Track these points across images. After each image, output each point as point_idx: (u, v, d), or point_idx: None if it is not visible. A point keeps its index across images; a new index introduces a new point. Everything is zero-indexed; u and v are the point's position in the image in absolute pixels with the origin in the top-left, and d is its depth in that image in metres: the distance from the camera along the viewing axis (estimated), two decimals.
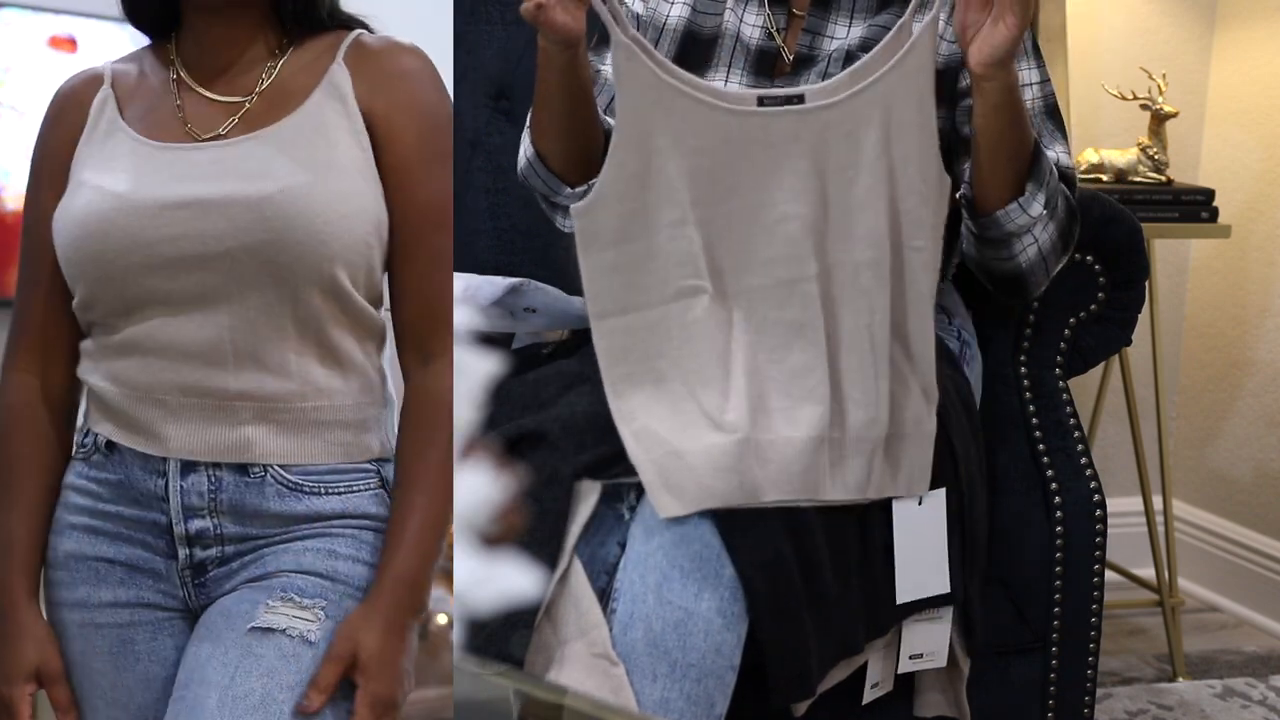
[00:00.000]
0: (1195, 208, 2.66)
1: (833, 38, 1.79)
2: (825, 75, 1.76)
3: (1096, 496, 1.86)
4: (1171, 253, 3.13)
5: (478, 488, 0.68)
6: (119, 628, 1.35)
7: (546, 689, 1.25)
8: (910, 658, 1.67)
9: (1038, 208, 1.66)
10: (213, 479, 1.32)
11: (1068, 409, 1.89)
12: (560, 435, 1.55)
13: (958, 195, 1.68)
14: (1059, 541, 1.84)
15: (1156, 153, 2.68)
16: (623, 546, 1.54)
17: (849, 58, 1.76)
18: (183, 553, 1.34)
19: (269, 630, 1.29)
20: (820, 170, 1.56)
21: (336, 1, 1.42)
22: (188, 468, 1.32)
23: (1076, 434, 1.88)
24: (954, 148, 1.71)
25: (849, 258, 1.56)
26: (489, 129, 2.22)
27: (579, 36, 1.58)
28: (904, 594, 1.61)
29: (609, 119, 1.72)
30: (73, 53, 2.62)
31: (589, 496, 1.53)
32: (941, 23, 1.66)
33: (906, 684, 1.72)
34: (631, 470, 1.52)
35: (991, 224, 1.68)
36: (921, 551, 1.62)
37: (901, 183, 1.56)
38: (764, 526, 1.49)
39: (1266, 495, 3.01)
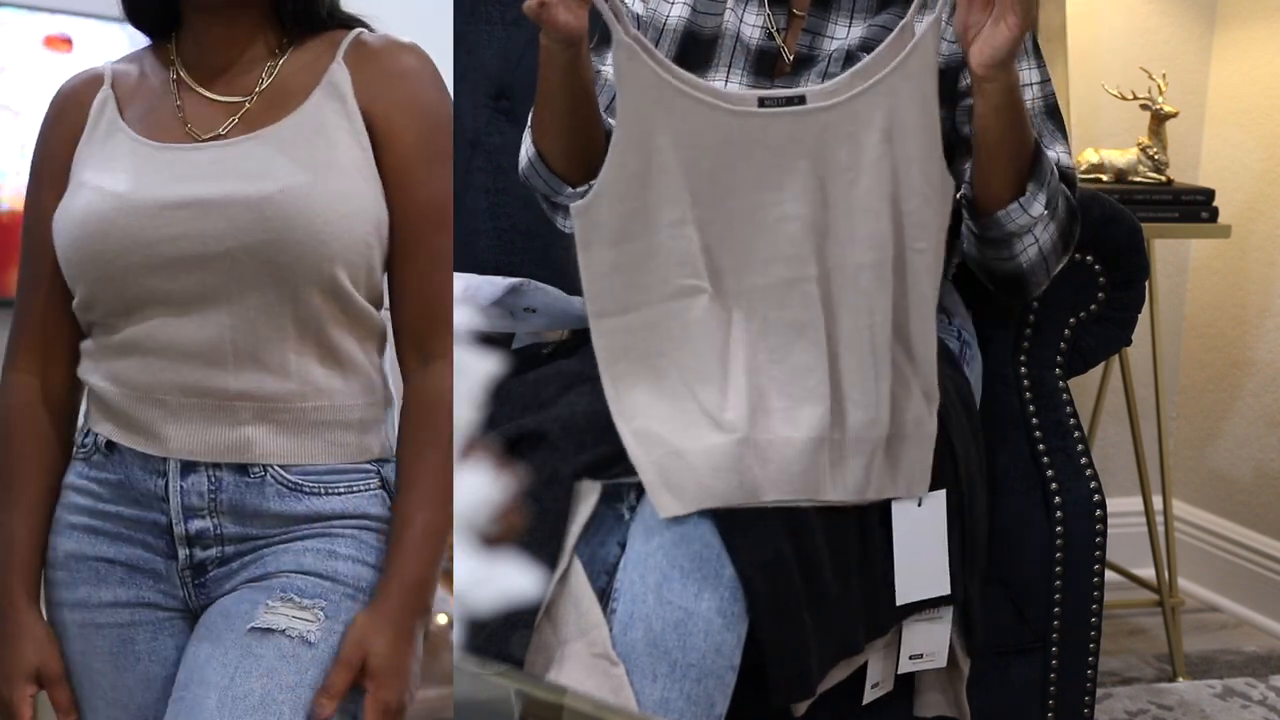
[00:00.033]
0: (1195, 208, 2.66)
1: (833, 38, 1.79)
2: (825, 75, 1.76)
3: (1096, 496, 1.86)
4: (1171, 253, 3.13)
5: (478, 488, 0.68)
6: (119, 628, 1.35)
7: (547, 689, 1.25)
8: (910, 658, 1.67)
9: (1039, 208, 1.66)
10: (213, 479, 1.32)
11: (1068, 409, 1.89)
12: (560, 435, 1.55)
13: (958, 195, 1.68)
14: (1059, 541, 1.84)
15: (1156, 153, 2.68)
16: (623, 546, 1.54)
17: (849, 58, 1.76)
18: (183, 553, 1.34)
19: (269, 631, 1.29)
20: (821, 171, 1.56)
21: (336, 1, 1.42)
22: (188, 468, 1.32)
23: (1076, 434, 1.88)
24: (954, 148, 1.71)
25: (850, 259, 1.56)
26: (489, 129, 2.22)
27: (581, 35, 1.58)
28: (903, 595, 1.61)
29: (610, 120, 1.72)
30: (68, 52, 2.62)
31: (589, 496, 1.53)
32: (941, 22, 1.66)
33: (906, 684, 1.72)
34: (631, 470, 1.52)
35: (992, 224, 1.68)
36: (921, 553, 1.62)
37: (904, 184, 1.56)
38: (764, 526, 1.49)
39: (1266, 495, 3.01)
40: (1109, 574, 1.98)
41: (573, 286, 1.72)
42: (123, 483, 1.34)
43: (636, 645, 1.47)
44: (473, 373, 0.71)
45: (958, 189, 1.67)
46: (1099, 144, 2.80)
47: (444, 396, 1.34)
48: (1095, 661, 1.89)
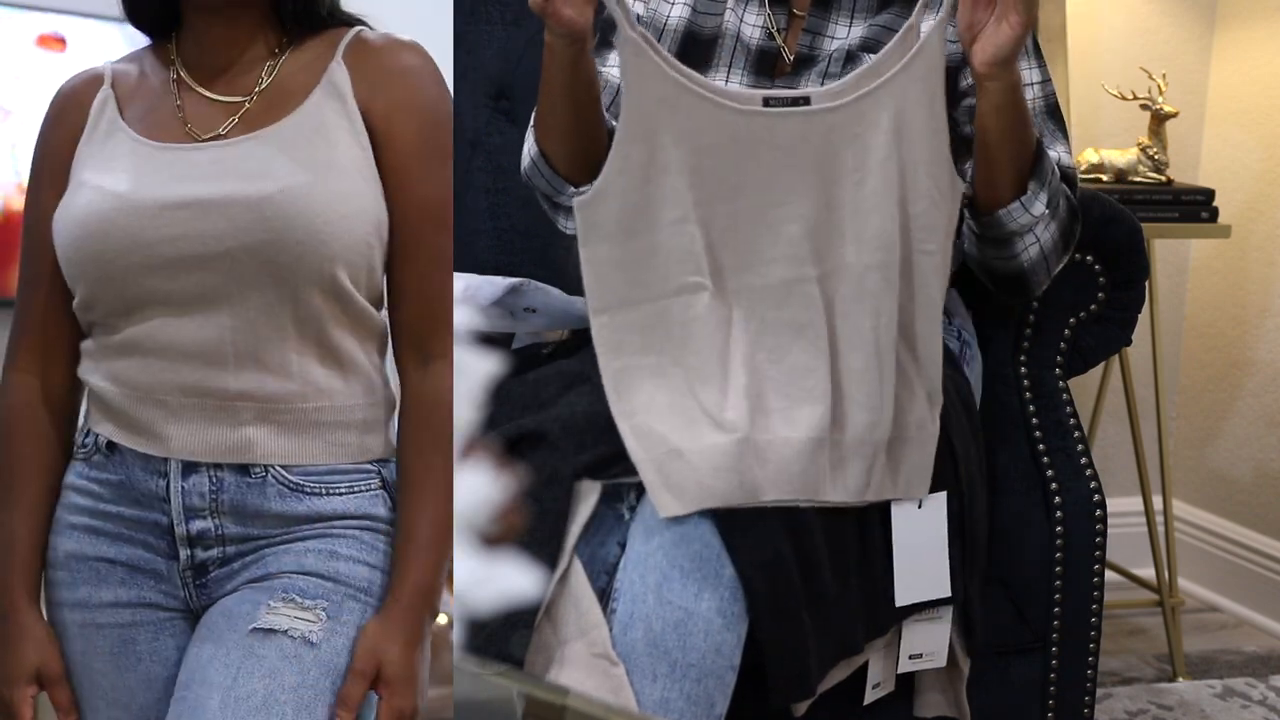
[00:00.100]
0: (1195, 208, 2.67)
1: (833, 38, 1.79)
2: (826, 75, 1.76)
3: (1096, 496, 1.86)
4: (1171, 253, 3.13)
5: (478, 488, 0.68)
6: (120, 628, 1.35)
7: (548, 690, 1.25)
8: (910, 658, 1.67)
9: (1040, 207, 1.66)
10: (214, 480, 1.32)
11: (1068, 409, 1.89)
12: (560, 435, 1.55)
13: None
14: (1059, 541, 1.84)
15: (1156, 153, 2.68)
16: (623, 546, 1.54)
17: (849, 58, 1.76)
18: (184, 553, 1.34)
19: (271, 631, 1.29)
20: (826, 173, 1.56)
21: (337, 0, 1.42)
22: (189, 468, 1.32)
23: (1076, 434, 1.88)
24: (955, 147, 1.71)
25: (856, 260, 1.56)
26: (489, 129, 2.22)
27: (586, 31, 1.58)
28: (903, 597, 1.61)
29: (612, 121, 1.72)
30: (62, 51, 2.61)
31: (589, 496, 1.53)
32: (946, 23, 1.66)
33: (906, 684, 1.72)
34: (631, 470, 1.52)
35: (993, 223, 1.68)
36: (921, 555, 1.62)
37: (912, 186, 1.56)
38: (764, 526, 1.49)
39: (1266, 495, 3.01)
40: (1109, 574, 1.98)
41: (573, 286, 1.72)
42: (123, 483, 1.34)
43: (636, 645, 1.47)
44: (473, 373, 0.71)
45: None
46: (1099, 144, 2.80)
47: (444, 397, 1.34)
48: (1095, 661, 1.89)
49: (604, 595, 1.51)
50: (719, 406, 1.54)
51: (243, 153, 1.32)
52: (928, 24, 1.58)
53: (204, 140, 1.34)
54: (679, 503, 1.50)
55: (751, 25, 1.81)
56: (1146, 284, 1.94)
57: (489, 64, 2.22)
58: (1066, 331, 1.89)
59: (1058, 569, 1.84)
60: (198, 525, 1.33)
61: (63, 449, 1.40)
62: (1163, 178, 2.68)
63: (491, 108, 2.22)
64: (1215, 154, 3.08)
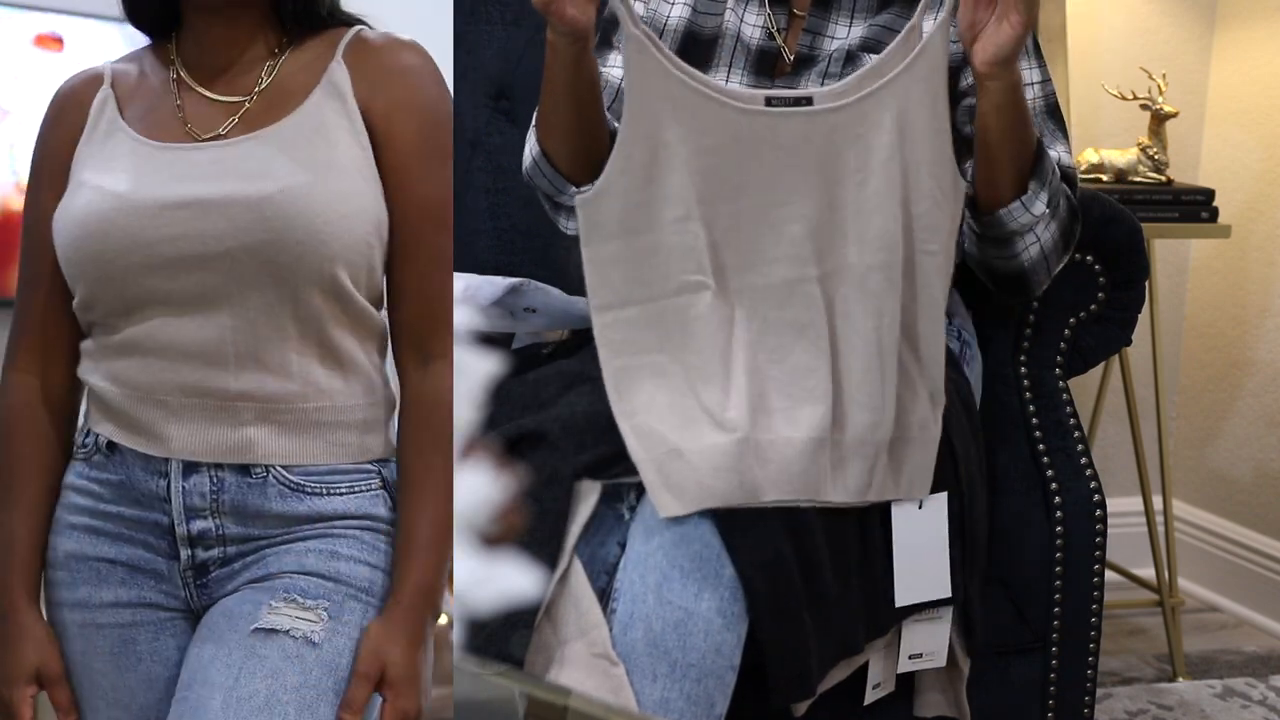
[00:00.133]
0: (1195, 208, 2.67)
1: (833, 38, 1.79)
2: (826, 75, 1.76)
3: (1096, 496, 1.86)
4: (1171, 253, 3.13)
5: (478, 488, 0.68)
6: (120, 628, 1.35)
7: (549, 690, 1.25)
8: (910, 658, 1.67)
9: (1040, 206, 1.66)
10: (215, 480, 1.32)
11: (1068, 409, 1.89)
12: (560, 435, 1.55)
13: None
14: (1059, 541, 1.84)
15: (1156, 153, 2.68)
16: (623, 546, 1.53)
17: (849, 58, 1.76)
18: (184, 553, 1.34)
19: (272, 631, 1.29)
20: (829, 173, 1.55)
21: (337, 1, 1.42)
22: (190, 468, 1.32)
23: (1076, 434, 1.88)
24: (956, 147, 1.71)
25: (858, 260, 1.56)
26: (489, 129, 2.22)
27: (588, 29, 1.58)
28: (903, 597, 1.61)
29: (614, 122, 1.72)
30: (59, 51, 2.61)
31: (589, 496, 1.53)
32: (948, 24, 1.66)
33: (906, 684, 1.72)
34: (631, 470, 1.52)
35: (994, 222, 1.68)
36: (921, 555, 1.62)
37: (915, 187, 1.56)
38: (764, 526, 1.49)
39: (1266, 495, 3.01)
40: (1109, 574, 1.98)
41: (573, 286, 1.72)
42: (124, 483, 1.34)
43: (636, 645, 1.47)
44: (473, 373, 0.71)
45: None
46: (1099, 144, 2.80)
47: (445, 397, 1.34)
48: (1095, 661, 1.89)
49: (604, 595, 1.51)
50: (720, 406, 1.54)
51: (243, 153, 1.32)
52: (929, 24, 1.58)
53: (204, 140, 1.34)
54: (679, 503, 1.50)
55: (752, 25, 1.81)
56: (1146, 284, 1.94)
57: (489, 64, 2.22)
58: (1066, 331, 1.89)
59: (1058, 569, 1.84)
60: (198, 525, 1.33)
61: (62, 449, 1.40)
62: (1163, 178, 2.68)
63: (491, 108, 2.22)
64: (1215, 154, 3.08)
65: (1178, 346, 3.18)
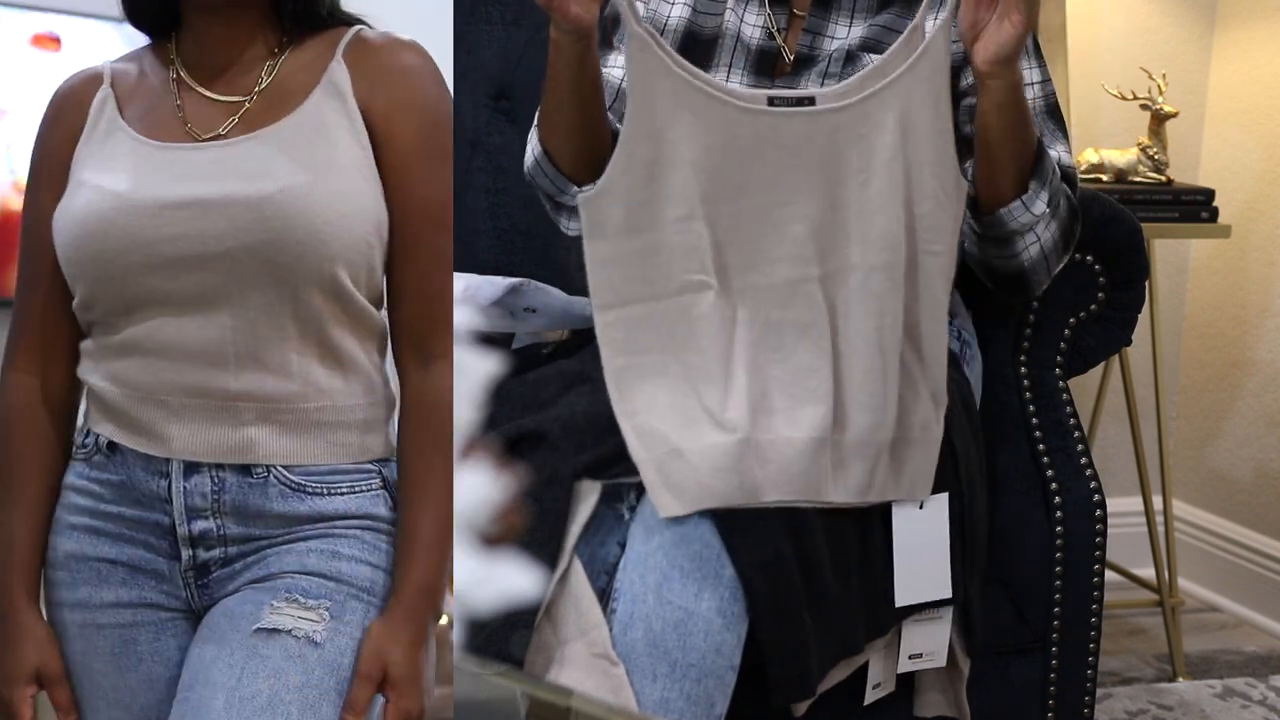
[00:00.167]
0: (1195, 208, 2.67)
1: (833, 38, 1.79)
2: (826, 75, 1.76)
3: (1096, 496, 1.86)
4: (1171, 253, 3.13)
5: (478, 488, 0.68)
6: (121, 628, 1.35)
7: (550, 690, 1.25)
8: (910, 658, 1.67)
9: (1041, 206, 1.66)
10: (216, 480, 1.32)
11: (1068, 409, 1.89)
12: (560, 435, 1.55)
13: None
14: (1059, 541, 1.84)
15: (1156, 153, 2.68)
16: (623, 546, 1.53)
17: (849, 58, 1.76)
18: (186, 554, 1.33)
19: (275, 631, 1.29)
20: (831, 173, 1.55)
21: (337, 0, 1.42)
22: (191, 469, 1.32)
23: (1076, 434, 1.88)
24: (957, 147, 1.71)
25: (861, 260, 1.56)
26: (489, 129, 2.22)
27: (592, 27, 1.58)
28: (903, 597, 1.61)
29: (616, 123, 1.71)
30: (56, 51, 2.61)
31: (589, 496, 1.53)
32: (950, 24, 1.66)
33: (906, 684, 1.72)
34: (631, 470, 1.52)
35: (994, 222, 1.68)
36: (922, 555, 1.62)
37: (917, 187, 1.56)
38: (764, 526, 1.49)
39: (1266, 495, 3.01)
40: (1109, 574, 1.98)
41: (573, 287, 1.72)
42: (124, 483, 1.34)
43: (636, 645, 1.47)
44: (473, 373, 0.71)
45: None
46: (1099, 144, 2.80)
47: (445, 397, 1.34)
48: (1095, 661, 1.89)
49: (604, 595, 1.51)
50: (721, 406, 1.54)
51: (243, 152, 1.32)
52: (931, 24, 1.58)
53: (204, 140, 1.34)
54: (679, 503, 1.50)
55: (752, 25, 1.81)
56: (1146, 284, 1.94)
57: (489, 64, 2.22)
58: (1066, 331, 1.89)
59: (1058, 569, 1.84)
60: (200, 525, 1.33)
61: (62, 449, 1.40)
62: (1163, 178, 2.68)
63: (491, 108, 2.22)
64: (1215, 154, 3.08)
65: (1178, 346, 3.18)
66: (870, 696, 1.67)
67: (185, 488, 1.32)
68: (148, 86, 1.40)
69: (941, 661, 1.68)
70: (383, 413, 1.39)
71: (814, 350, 1.56)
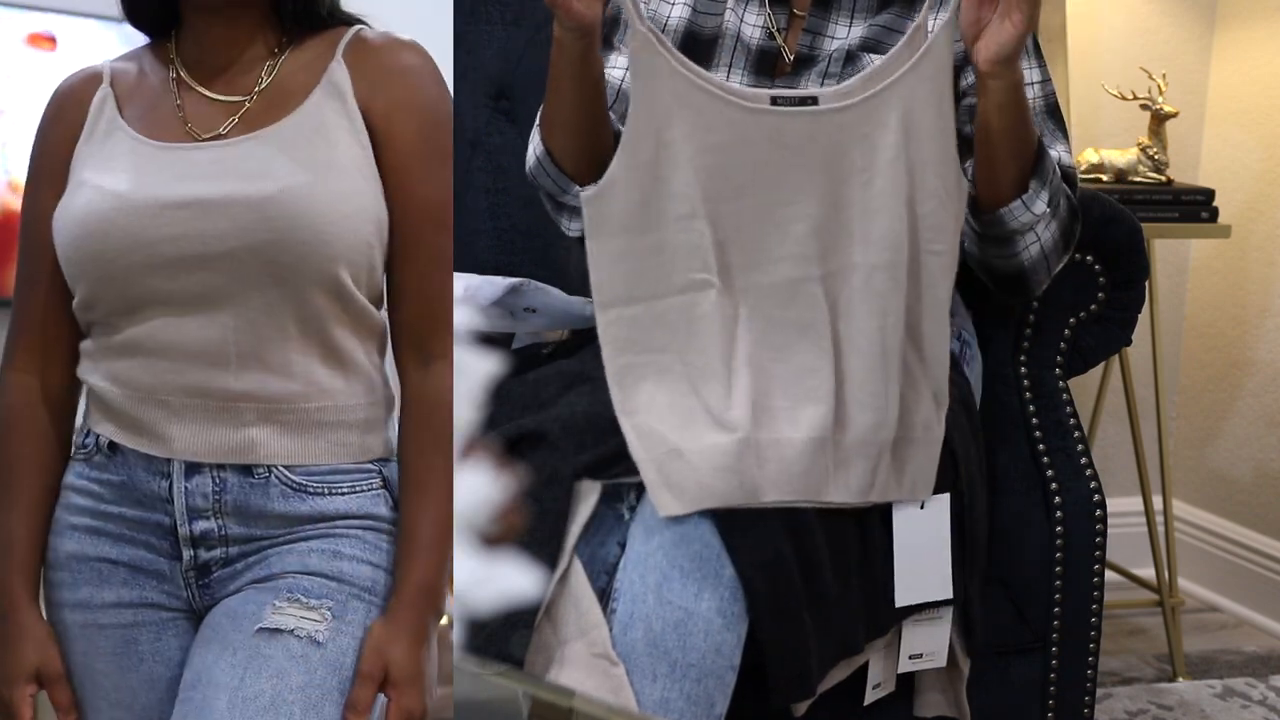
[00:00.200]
0: (1195, 208, 2.67)
1: (833, 38, 1.79)
2: (826, 75, 1.76)
3: (1096, 496, 1.86)
4: (1171, 253, 3.13)
5: (478, 488, 0.68)
6: (122, 628, 1.35)
7: (551, 690, 1.25)
8: (910, 658, 1.67)
9: (1041, 205, 1.66)
10: (217, 480, 1.32)
11: (1068, 409, 1.89)
12: (560, 435, 1.55)
13: None
14: (1059, 541, 1.84)
15: (1156, 153, 2.68)
16: (623, 546, 1.53)
17: (849, 58, 1.76)
18: (187, 554, 1.33)
19: (277, 631, 1.29)
20: (834, 172, 1.55)
21: (337, 0, 1.42)
22: (192, 469, 1.32)
23: (1076, 434, 1.88)
24: (957, 147, 1.71)
25: (863, 260, 1.56)
26: (489, 129, 2.22)
27: (595, 25, 1.58)
28: (904, 598, 1.61)
29: (619, 125, 1.71)
30: (52, 50, 2.61)
31: (589, 496, 1.53)
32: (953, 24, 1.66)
33: (906, 684, 1.72)
34: (631, 470, 1.52)
35: (995, 221, 1.68)
36: (923, 555, 1.62)
37: (920, 186, 1.56)
38: (764, 526, 1.49)
39: (1266, 495, 3.01)
40: (1109, 574, 1.98)
41: (573, 287, 1.71)
42: (125, 484, 1.34)
43: (636, 645, 1.47)
44: (473, 373, 0.71)
45: None
46: (1099, 144, 2.80)
47: (445, 397, 1.34)
48: (1095, 661, 1.89)
49: (604, 595, 1.51)
50: (722, 405, 1.54)
51: (243, 152, 1.32)
52: (934, 23, 1.58)
53: (204, 140, 1.34)
54: (679, 502, 1.50)
55: (752, 25, 1.81)
56: (1146, 284, 1.94)
57: (489, 64, 2.22)
58: (1066, 331, 1.89)
59: (1058, 569, 1.84)
60: (201, 526, 1.33)
61: (61, 448, 1.40)
62: (1163, 178, 2.68)
63: (491, 108, 2.22)
64: (1215, 154, 3.08)
65: (1178, 346, 3.18)
66: (870, 696, 1.67)
67: (187, 488, 1.32)
68: (147, 86, 1.39)
69: (942, 662, 1.68)
70: (382, 412, 1.39)
71: (815, 350, 1.56)
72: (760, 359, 1.55)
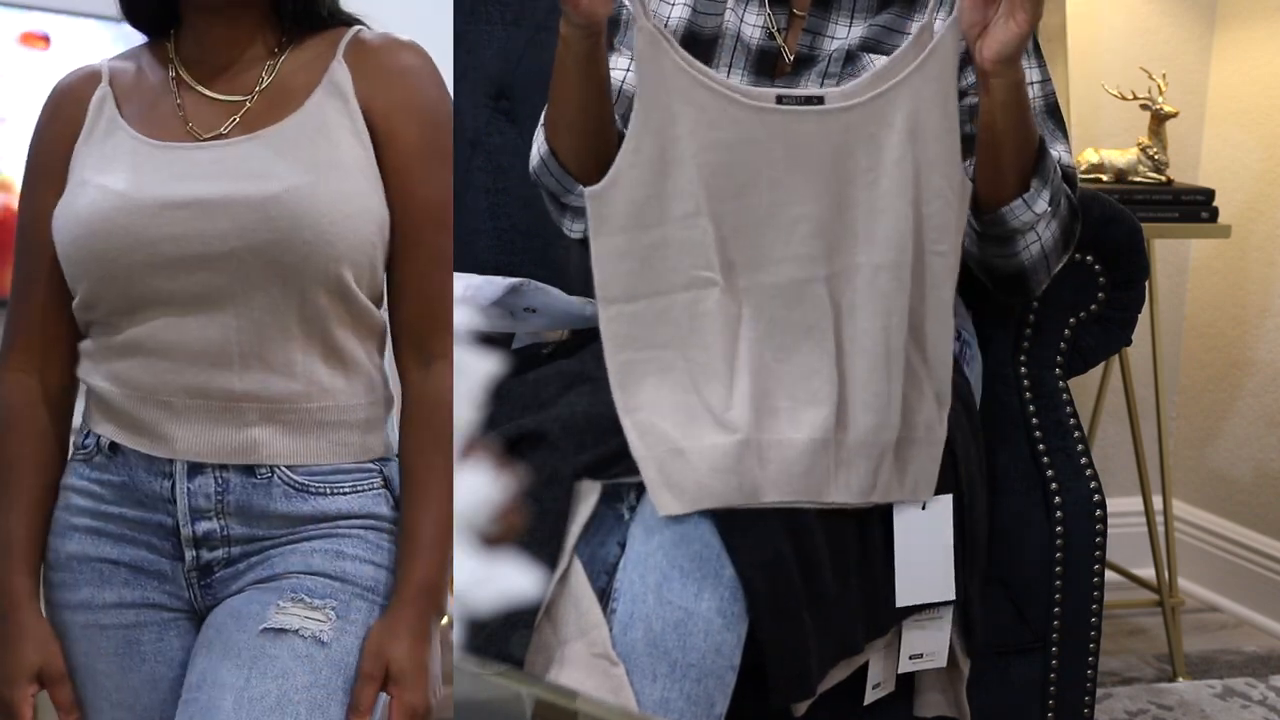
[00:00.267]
0: (1195, 208, 2.67)
1: (833, 38, 1.79)
2: (825, 75, 1.76)
3: (1096, 496, 1.86)
4: (1171, 253, 3.13)
5: (478, 488, 0.68)
6: (124, 629, 1.35)
7: (552, 690, 1.25)
8: (910, 658, 1.67)
9: (1042, 204, 1.66)
10: (219, 480, 1.32)
11: (1068, 409, 1.89)
12: (560, 435, 1.55)
13: None
14: (1059, 541, 1.84)
15: (1156, 153, 2.68)
16: (623, 546, 1.54)
17: (849, 58, 1.76)
18: (189, 554, 1.33)
19: (282, 631, 1.29)
20: (840, 172, 1.55)
21: (337, 0, 1.42)
22: (195, 469, 1.32)
23: (1076, 434, 1.88)
24: None
25: (867, 260, 1.56)
26: (489, 129, 2.22)
27: (602, 22, 1.58)
28: (904, 598, 1.61)
29: (620, 126, 1.71)
30: (45, 49, 2.60)
31: (589, 496, 1.53)
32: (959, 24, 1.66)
33: (906, 684, 1.72)
34: (631, 470, 1.52)
35: (996, 221, 1.68)
36: (924, 556, 1.62)
37: (925, 187, 1.56)
38: (764, 526, 1.49)
39: (1266, 495, 3.00)
40: (1109, 574, 1.98)
41: (573, 287, 1.71)
42: (126, 484, 1.34)
43: (636, 645, 1.47)
44: (473, 373, 0.71)
45: None
46: (1099, 144, 2.80)
47: (446, 397, 1.34)
48: (1095, 661, 1.89)
49: (604, 595, 1.51)
50: (723, 405, 1.54)
51: (245, 152, 1.32)
52: (939, 23, 1.58)
53: (205, 139, 1.34)
54: (678, 502, 1.50)
55: (752, 25, 1.81)
56: (1146, 284, 1.94)
57: (489, 64, 2.22)
58: (1066, 331, 1.89)
59: (1058, 569, 1.84)
60: (203, 526, 1.33)
61: (60, 448, 1.40)
62: (1163, 178, 2.68)
63: (491, 108, 2.22)
64: (1215, 154, 3.08)
65: (1178, 346, 3.18)
66: (870, 696, 1.67)
67: (189, 489, 1.32)
68: (146, 85, 1.39)
69: (942, 662, 1.68)
70: (383, 412, 1.39)
71: (818, 351, 1.55)
72: (762, 359, 1.55)
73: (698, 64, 1.55)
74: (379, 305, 1.38)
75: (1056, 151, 1.72)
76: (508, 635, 1.46)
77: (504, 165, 2.17)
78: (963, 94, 1.73)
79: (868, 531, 1.59)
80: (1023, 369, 1.89)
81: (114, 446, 1.34)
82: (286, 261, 1.28)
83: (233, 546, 1.33)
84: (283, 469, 1.32)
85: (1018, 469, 1.86)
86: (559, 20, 1.61)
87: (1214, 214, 2.67)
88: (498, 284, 1.78)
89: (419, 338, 1.36)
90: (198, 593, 1.34)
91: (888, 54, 1.70)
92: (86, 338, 1.37)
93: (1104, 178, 2.68)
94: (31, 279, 1.39)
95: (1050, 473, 1.85)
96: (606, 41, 1.84)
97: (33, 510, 1.37)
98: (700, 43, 1.81)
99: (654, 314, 1.56)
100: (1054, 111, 1.78)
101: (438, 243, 1.35)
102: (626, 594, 1.49)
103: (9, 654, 1.35)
